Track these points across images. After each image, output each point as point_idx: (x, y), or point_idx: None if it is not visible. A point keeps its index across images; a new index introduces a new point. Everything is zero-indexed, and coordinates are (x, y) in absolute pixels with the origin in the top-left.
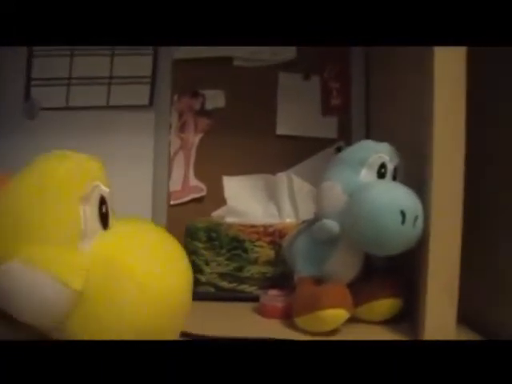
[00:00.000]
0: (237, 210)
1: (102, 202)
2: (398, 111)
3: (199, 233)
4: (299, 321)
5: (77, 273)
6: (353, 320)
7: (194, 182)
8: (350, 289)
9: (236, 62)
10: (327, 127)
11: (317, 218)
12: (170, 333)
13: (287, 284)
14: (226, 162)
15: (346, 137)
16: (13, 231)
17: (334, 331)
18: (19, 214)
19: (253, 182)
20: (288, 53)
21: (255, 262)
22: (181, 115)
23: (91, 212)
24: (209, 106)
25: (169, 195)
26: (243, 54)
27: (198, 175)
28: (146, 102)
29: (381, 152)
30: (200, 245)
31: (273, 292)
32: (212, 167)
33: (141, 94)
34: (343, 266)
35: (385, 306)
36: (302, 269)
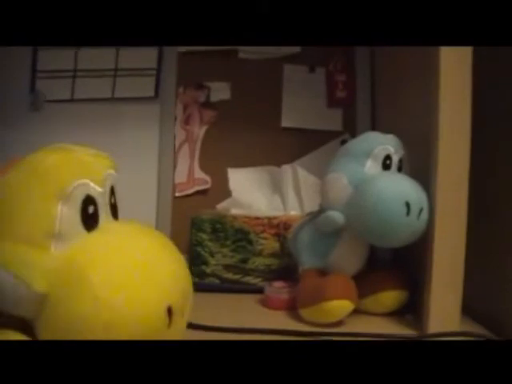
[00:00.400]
0: (242, 202)
1: (89, 201)
2: (404, 104)
3: (204, 224)
4: (304, 312)
5: (40, 274)
6: (357, 312)
7: (198, 174)
8: (354, 281)
9: (241, 55)
10: (332, 120)
11: (322, 210)
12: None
13: (292, 276)
14: (231, 154)
15: (351, 129)
16: None
17: (338, 323)
18: None
19: (258, 174)
20: None
21: (260, 253)
22: (186, 107)
23: (70, 213)
24: (214, 98)
25: (174, 187)
26: (248, 47)
27: (203, 167)
28: (151, 94)
29: (386, 144)
30: (205, 236)
31: (277, 284)
32: (217, 159)
33: (146, 86)
34: (348, 257)
35: (389, 298)
36: (307, 261)
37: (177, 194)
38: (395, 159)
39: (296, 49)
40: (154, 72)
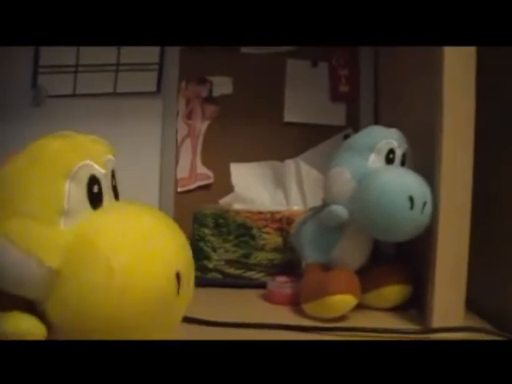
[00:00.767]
0: (244, 197)
1: (94, 181)
2: (407, 98)
3: (207, 219)
4: (307, 307)
5: (53, 250)
6: (361, 307)
7: (201, 169)
8: (358, 275)
9: (244, 49)
10: (335, 114)
11: (325, 205)
12: (144, 327)
13: (294, 271)
14: (234, 149)
15: (354, 124)
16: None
17: (341, 317)
18: (6, 189)
19: (260, 168)
20: None
21: (262, 248)
22: (188, 102)
23: (77, 190)
24: (216, 92)
25: (176, 182)
26: None
27: (206, 162)
28: (153, 88)
29: (389, 138)
30: (207, 231)
31: (280, 279)
32: (219, 154)
33: (148, 81)
34: (351, 252)
35: (393, 292)
36: (310, 255)
37: (179, 189)
38: (398, 153)
39: None
40: (156, 67)
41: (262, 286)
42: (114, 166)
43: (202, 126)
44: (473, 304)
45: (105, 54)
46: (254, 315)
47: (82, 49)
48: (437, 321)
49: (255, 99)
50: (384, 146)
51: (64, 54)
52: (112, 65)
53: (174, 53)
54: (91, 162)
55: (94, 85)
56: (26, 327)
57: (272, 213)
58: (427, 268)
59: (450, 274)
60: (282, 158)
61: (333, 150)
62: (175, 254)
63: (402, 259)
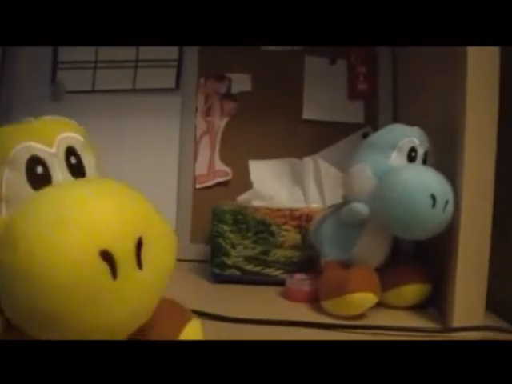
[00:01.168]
0: (263, 194)
1: (35, 162)
2: (427, 97)
3: (226, 216)
4: (327, 304)
5: None
6: (379, 305)
7: (219, 165)
8: (377, 273)
9: (262, 46)
10: (354, 112)
11: (345, 202)
12: (78, 319)
13: (313, 268)
14: (252, 146)
15: (372, 122)
16: None
17: (360, 315)
18: None
19: (279, 165)
20: None
21: (281, 245)
22: (207, 99)
23: (15, 175)
24: (235, 89)
25: (194, 179)
26: None
27: (224, 159)
28: (172, 85)
29: (411, 136)
30: (226, 228)
31: (298, 276)
32: (238, 151)
33: (167, 77)
34: (371, 250)
35: (413, 291)
36: (329, 253)
37: (197, 186)
38: (420, 152)
39: None
40: (175, 63)
41: (281, 283)
42: (75, 142)
43: (220, 123)
44: (493, 303)
45: (124, 51)
46: (272, 312)
47: None
48: (457, 320)
49: (274, 96)
50: (406, 143)
51: (83, 51)
52: (131, 61)
53: (192, 50)
54: (32, 143)
55: (113, 81)
56: None
57: (291, 210)
58: (448, 267)
59: (472, 273)
60: (300, 156)
61: (351, 147)
62: (105, 230)
63: (423, 258)
